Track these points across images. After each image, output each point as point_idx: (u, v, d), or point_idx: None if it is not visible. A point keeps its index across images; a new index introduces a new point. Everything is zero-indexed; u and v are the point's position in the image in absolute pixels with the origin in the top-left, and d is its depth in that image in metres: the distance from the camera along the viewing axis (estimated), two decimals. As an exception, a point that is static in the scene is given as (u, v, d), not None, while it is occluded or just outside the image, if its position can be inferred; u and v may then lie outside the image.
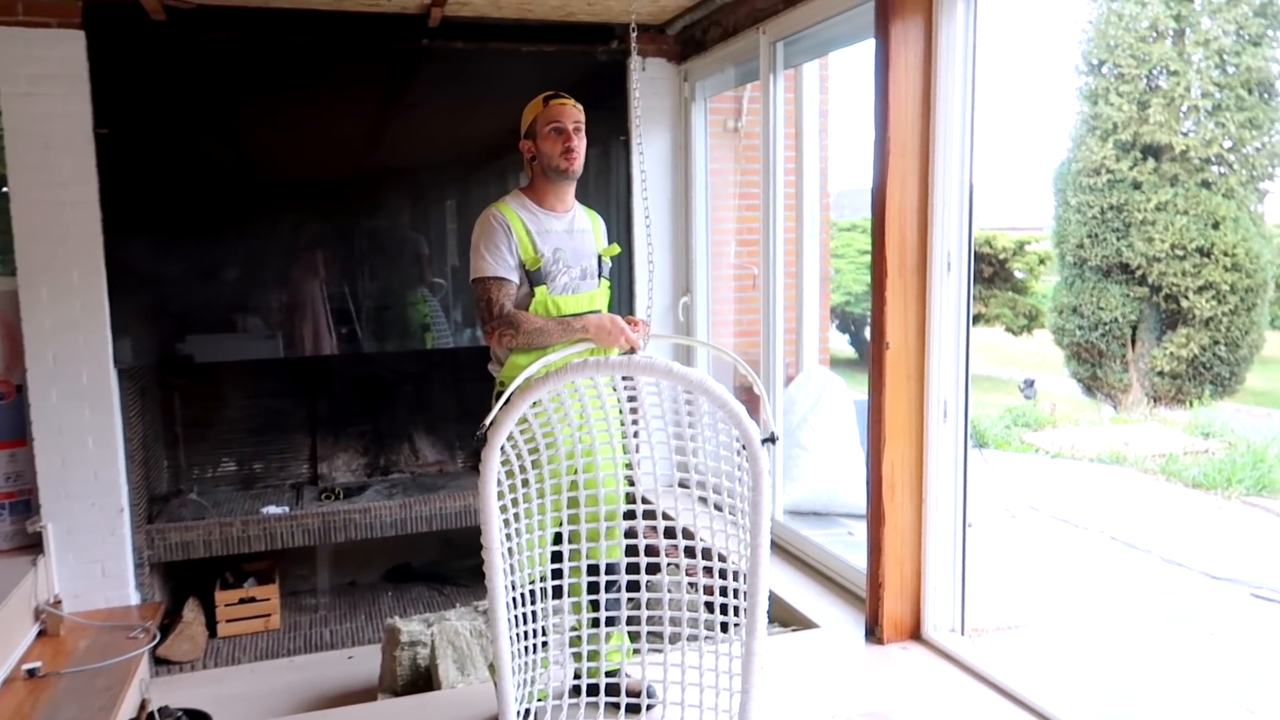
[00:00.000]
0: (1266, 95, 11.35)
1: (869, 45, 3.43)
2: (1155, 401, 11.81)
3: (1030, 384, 13.07)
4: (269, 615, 4.54)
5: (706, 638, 2.46)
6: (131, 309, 4.01)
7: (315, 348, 4.49)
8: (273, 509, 4.47)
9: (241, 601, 4.49)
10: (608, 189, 4.66)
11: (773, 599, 3.17)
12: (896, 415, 2.81)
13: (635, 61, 4.45)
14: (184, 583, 4.60)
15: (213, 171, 4.24)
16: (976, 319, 18.51)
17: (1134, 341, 12.09)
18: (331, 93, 4.39)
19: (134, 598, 4.09)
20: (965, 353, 2.81)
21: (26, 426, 3.90)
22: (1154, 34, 11.60)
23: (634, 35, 3.31)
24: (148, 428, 4.39)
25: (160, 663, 4.10)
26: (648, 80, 4.54)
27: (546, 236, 2.40)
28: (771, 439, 1.89)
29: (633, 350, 2.31)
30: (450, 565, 5.22)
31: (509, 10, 4.12)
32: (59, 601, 3.82)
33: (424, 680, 3.34)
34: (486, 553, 1.99)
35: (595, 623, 2.45)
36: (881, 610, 2.87)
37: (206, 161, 4.23)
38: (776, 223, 3.81)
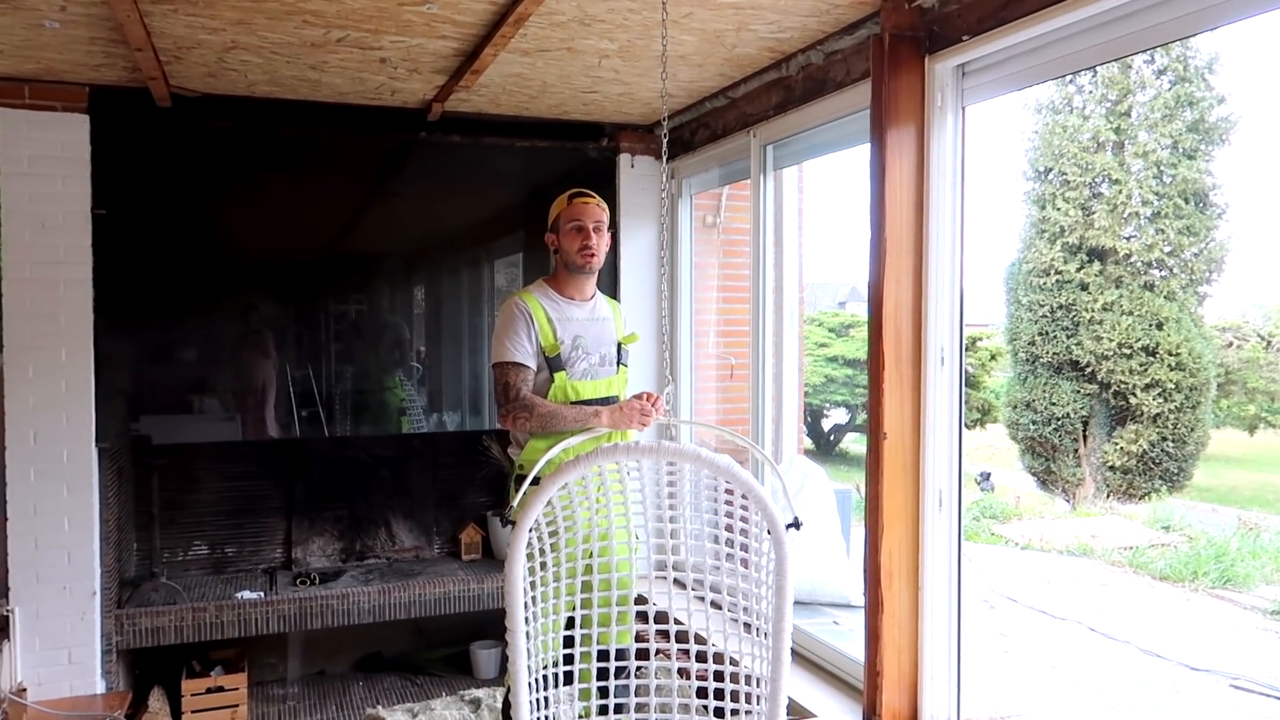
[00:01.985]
0: (1201, 205, 12.02)
1: (852, 152, 3.64)
2: (1108, 495, 12.09)
3: (986, 476, 13.30)
4: (237, 706, 4.39)
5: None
6: (118, 388, 3.99)
7: (282, 431, 4.52)
8: (247, 594, 4.37)
9: (209, 691, 4.35)
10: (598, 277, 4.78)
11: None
12: (894, 504, 2.88)
13: (624, 159, 4.66)
14: (149, 671, 4.45)
15: (204, 255, 4.34)
16: (930, 412, 18.95)
17: (1085, 436, 12.43)
18: (326, 182, 4.53)
19: (100, 686, 3.95)
20: (959, 444, 2.92)
21: (1, 506, 3.81)
22: (1096, 144, 12.26)
23: (662, 138, 3.45)
24: (123, 509, 4.31)
25: (124, 756, 3.94)
26: (635, 176, 4.71)
27: (567, 324, 2.48)
28: (796, 524, 1.95)
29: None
30: (423, 654, 5.11)
31: (506, 108, 4.28)
32: (24, 690, 3.68)
33: (410, 773, 3.26)
34: (511, 636, 2.00)
35: (604, 710, 2.44)
36: (880, 699, 2.89)
37: (198, 245, 4.32)
38: (766, 316, 3.93)
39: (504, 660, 5.00)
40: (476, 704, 3.52)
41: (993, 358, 16.51)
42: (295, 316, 4.65)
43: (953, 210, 2.90)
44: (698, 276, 4.96)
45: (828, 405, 18.17)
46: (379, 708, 3.47)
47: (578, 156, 4.70)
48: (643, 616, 2.39)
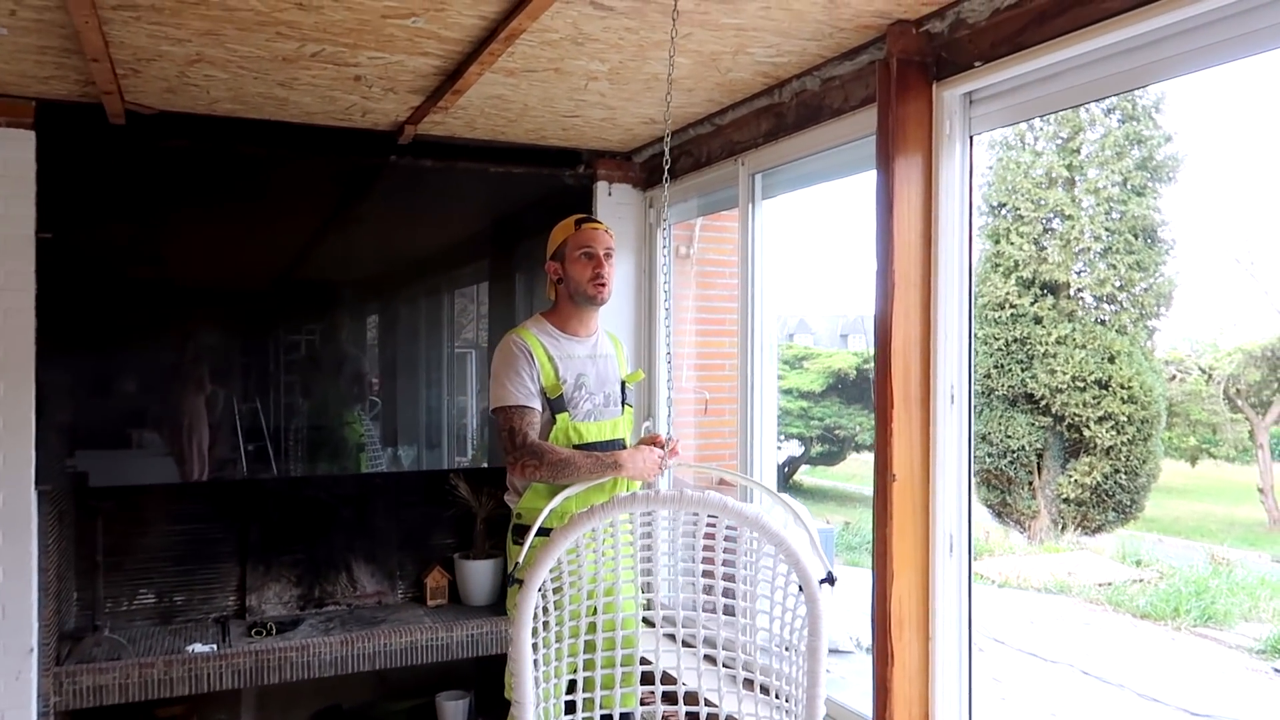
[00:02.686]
0: (1150, 240, 12.27)
1: (844, 182, 3.54)
2: (1062, 528, 12.16)
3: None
4: (185, 768, 4.08)
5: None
6: (58, 425, 3.70)
7: (216, 470, 4.23)
8: (198, 647, 4.07)
9: (155, 753, 4.04)
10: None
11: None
12: (904, 549, 2.74)
13: (601, 187, 4.52)
14: (89, 732, 4.11)
15: (152, 281, 4.06)
16: (884, 444, 19.03)
17: (1040, 469, 12.52)
18: (286, 206, 4.31)
19: (34, 752, 3.62)
20: (968, 485, 2.79)
21: (-73, 555, 3.49)
22: (1048, 180, 12.47)
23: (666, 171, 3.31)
24: (63, 556, 4.00)
25: (60, 828, 3.61)
26: (613, 205, 4.57)
27: (569, 362, 2.30)
28: (830, 579, 1.79)
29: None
30: (385, 706, 4.84)
31: (482, 131, 4.11)
32: (-52, 759, 3.35)
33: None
34: (519, 709, 1.80)
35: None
36: (890, 756, 2.73)
37: (147, 271, 4.05)
38: (753, 351, 3.80)
39: (472, 712, 4.76)
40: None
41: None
42: (244, 347, 4.37)
43: (960, 242, 2.80)
44: (674, 308, 4.82)
45: (781, 438, 18.14)
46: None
47: (553, 183, 4.54)
48: (645, 678, 2.21)
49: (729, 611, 2.05)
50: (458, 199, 4.57)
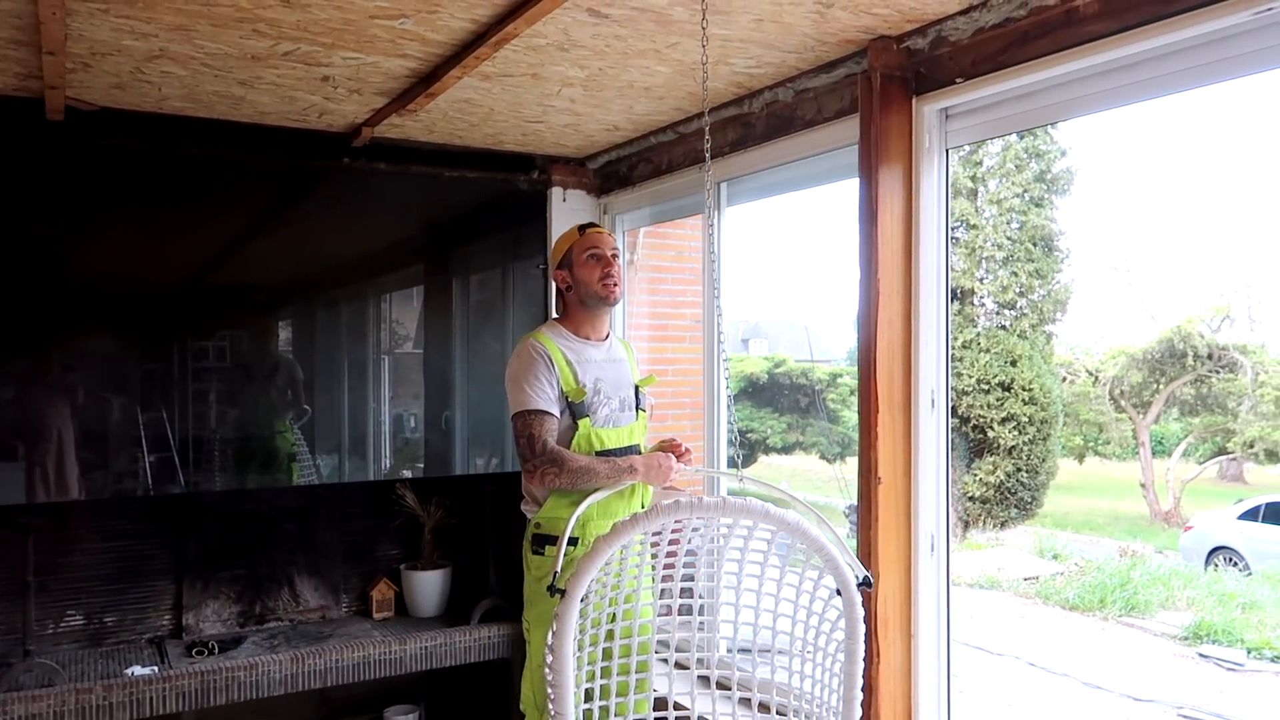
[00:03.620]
0: (1048, 249, 12.88)
1: (809, 193, 3.62)
2: (968, 525, 12.64)
3: (854, 509, 13.64)
4: (123, 798, 3.87)
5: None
6: (27, 438, 3.49)
7: (85, 487, 3.92)
8: (139, 669, 3.88)
9: (90, 784, 3.81)
10: (530, 313, 4.59)
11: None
12: (888, 550, 2.82)
13: (556, 193, 4.51)
14: (16, 765, 3.86)
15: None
16: (793, 447, 19.44)
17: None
18: (227, 208, 4.14)
19: (-38, 789, 3.38)
20: (947, 487, 2.89)
21: None
22: (954, 191, 12.96)
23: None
24: (-12, 578, 3.75)
25: None
26: (568, 210, 4.55)
27: (586, 367, 2.29)
28: (867, 582, 1.83)
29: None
30: (331, 724, 4.70)
31: (440, 135, 4.05)
32: (-128, 801, 3.10)
33: None
34: (557, 719, 1.78)
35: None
36: (877, 753, 2.80)
37: (79, 276, 3.83)
38: (716, 357, 3.84)
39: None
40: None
41: (851, 393, 17.11)
42: (150, 353, 4.08)
43: (939, 252, 2.89)
44: (627, 314, 4.84)
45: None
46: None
47: (507, 189, 4.50)
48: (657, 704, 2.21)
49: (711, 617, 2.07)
50: (407, 203, 4.48)
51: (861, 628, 1.81)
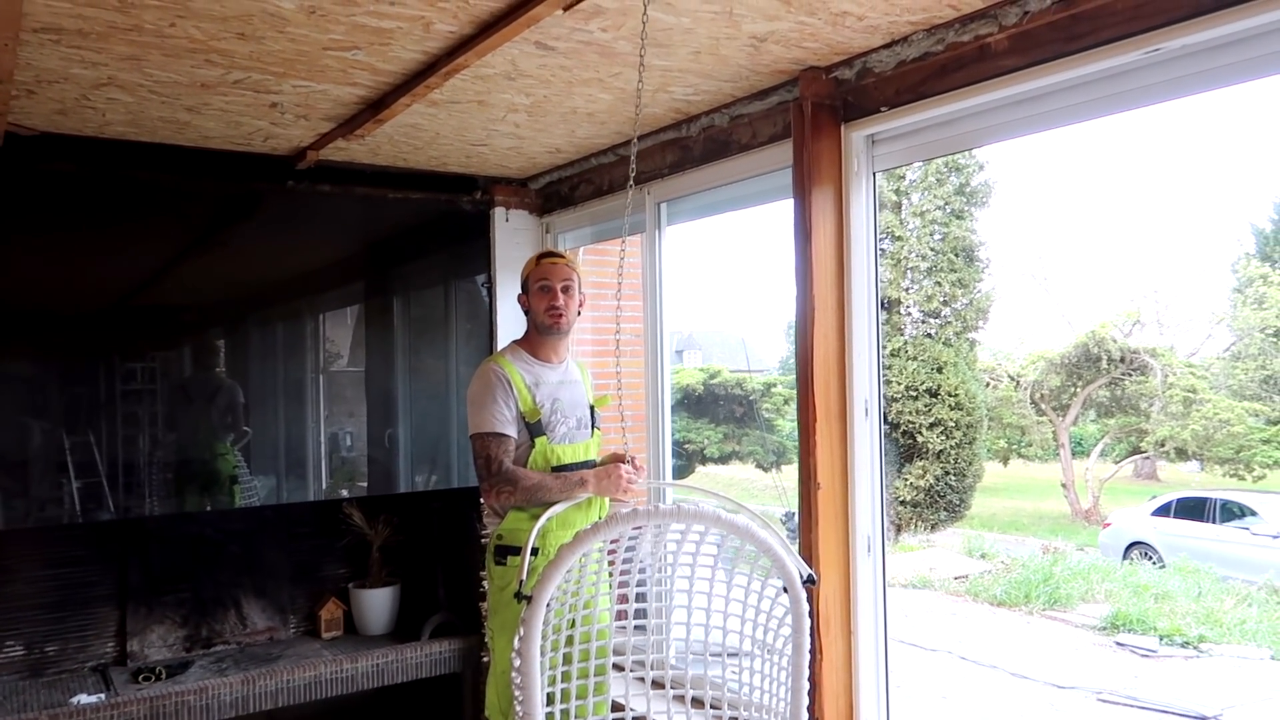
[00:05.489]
0: (970, 259, 13.35)
1: (744, 213, 3.79)
2: (900, 529, 12.98)
3: (791, 516, 13.92)
4: (70, 829, 3.82)
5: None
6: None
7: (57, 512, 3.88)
8: (85, 698, 3.84)
9: (35, 816, 3.76)
10: (472, 329, 4.67)
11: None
12: (828, 551, 2.97)
13: (499, 213, 4.60)
14: (-44, 801, 3.79)
15: (34, 306, 3.82)
16: (729, 456, 19.69)
17: (879, 474, 13.30)
18: (173, 231, 4.15)
19: (-95, 825, 3.32)
20: (881, 491, 3.06)
21: None
22: (879, 203, 13.34)
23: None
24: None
25: None
26: (510, 230, 4.65)
27: (543, 388, 2.40)
28: (811, 580, 1.97)
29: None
30: (280, 746, 4.68)
31: (384, 158, 4.12)
32: None
33: None
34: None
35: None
36: (821, 745, 2.94)
37: (28, 295, 3.81)
38: (664, 372, 3.98)
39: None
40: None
41: (786, 402, 17.44)
42: (77, 376, 4.01)
43: (868, 268, 3.07)
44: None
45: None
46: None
47: (450, 209, 4.58)
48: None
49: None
50: (350, 223, 4.53)
51: (807, 622, 1.95)
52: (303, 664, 4.23)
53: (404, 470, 4.86)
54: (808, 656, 1.96)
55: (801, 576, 1.95)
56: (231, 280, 4.41)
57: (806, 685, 1.96)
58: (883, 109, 2.91)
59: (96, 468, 4.00)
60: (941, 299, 13.07)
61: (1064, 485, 18.03)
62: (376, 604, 4.77)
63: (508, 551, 2.36)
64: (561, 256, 2.57)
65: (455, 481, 4.73)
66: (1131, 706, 3.77)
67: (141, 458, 4.18)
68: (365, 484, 4.85)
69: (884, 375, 12.78)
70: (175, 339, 4.30)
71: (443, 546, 4.85)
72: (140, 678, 4.11)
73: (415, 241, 4.77)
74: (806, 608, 1.94)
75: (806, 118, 2.98)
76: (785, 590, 1.97)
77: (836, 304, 3.03)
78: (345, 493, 4.86)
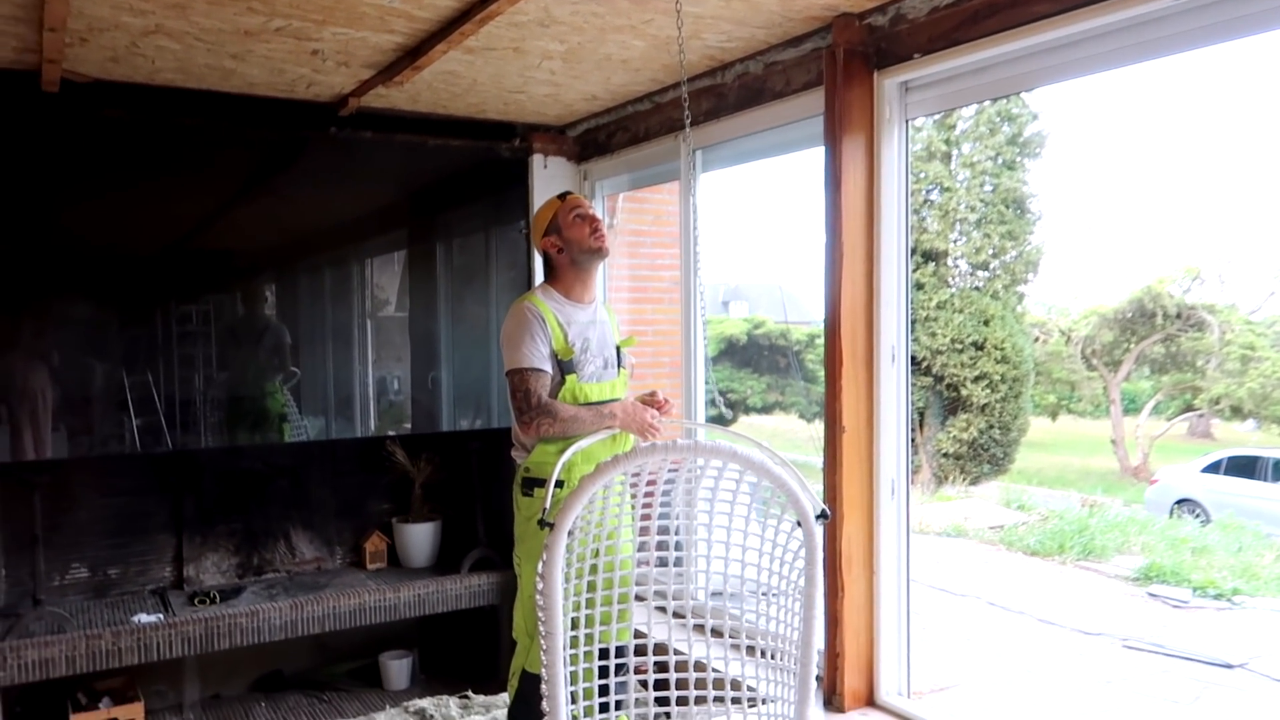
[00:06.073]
0: (1020, 211, 13.09)
1: (780, 160, 3.80)
2: (941, 481, 12.96)
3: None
4: (133, 738, 4.09)
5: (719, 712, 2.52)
6: (4, 398, 3.63)
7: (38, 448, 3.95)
8: (145, 617, 4.07)
9: (102, 725, 4.03)
10: (513, 277, 4.76)
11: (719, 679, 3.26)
12: (852, 494, 3.04)
13: (537, 160, 4.65)
14: (29, 707, 4.07)
15: (94, 251, 3.98)
16: (773, 407, 19.72)
17: (922, 426, 13.28)
18: (216, 176, 4.27)
19: (-17, 729, 3.58)
20: (907, 434, 3.11)
21: None
22: (928, 154, 13.12)
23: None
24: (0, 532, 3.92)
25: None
26: (548, 177, 4.70)
27: (574, 326, 2.48)
28: (824, 515, 2.04)
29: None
30: (328, 670, 4.92)
31: (424, 105, 4.18)
32: (-100, 739, 3.29)
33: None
34: (549, 639, 1.99)
35: (604, 707, 2.46)
36: (840, 680, 3.04)
37: (89, 241, 3.96)
38: (698, 318, 4.03)
39: (416, 669, 4.87)
40: (422, 714, 3.42)
41: (830, 354, 17.38)
42: (139, 318, 4.17)
43: (899, 216, 3.09)
44: (609, 277, 5.01)
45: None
46: (318, 727, 3.33)
47: (489, 156, 4.65)
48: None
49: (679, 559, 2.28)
50: (391, 170, 4.61)
51: (820, 555, 2.02)
52: (348, 592, 4.43)
53: (446, 411, 5.00)
54: (820, 589, 2.04)
55: (814, 512, 2.02)
56: (279, 226, 4.54)
57: (818, 617, 2.04)
58: (916, 56, 2.90)
59: (154, 405, 4.17)
60: (990, 251, 12.87)
61: (1113, 442, 17.79)
62: (418, 538, 4.95)
63: (534, 483, 2.47)
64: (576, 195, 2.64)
65: (494, 422, 4.86)
66: (1156, 654, 3.80)
67: (196, 396, 4.35)
68: (409, 425, 5.00)
69: (929, 327, 12.69)
70: (227, 283, 4.45)
71: (482, 485, 5.00)
72: (196, 600, 4.34)
73: (455, 189, 4.85)
74: (820, 541, 2.02)
75: (839, 64, 2.98)
76: (799, 524, 2.04)
77: (865, 252, 3.06)
78: (393, 432, 5.02)
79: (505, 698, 2.77)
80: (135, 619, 4.06)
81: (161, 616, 4.10)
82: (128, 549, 4.55)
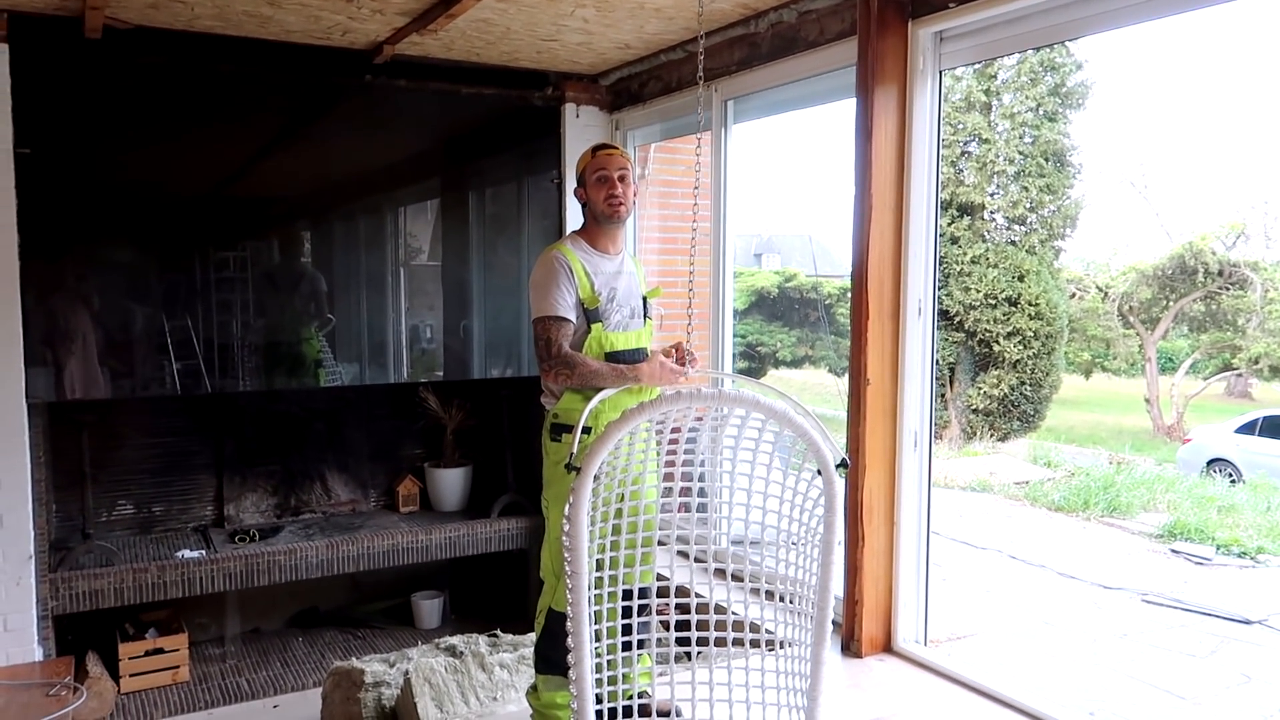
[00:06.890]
0: (1060, 164, 12.85)
1: (821, 111, 3.76)
2: (970, 437, 12.92)
3: (860, 421, 13.92)
4: (178, 667, 4.27)
5: (738, 654, 2.60)
6: (49, 339, 3.75)
7: (95, 386, 4.00)
8: (188, 553, 4.23)
9: (148, 654, 4.21)
10: (545, 226, 4.79)
11: (738, 621, 3.34)
12: (874, 445, 3.08)
13: (570, 109, 4.65)
14: (80, 636, 4.25)
15: (134, 197, 4.05)
16: (802, 360, 19.69)
17: (952, 382, 13.22)
18: (258, 123, 4.32)
19: (38, 653, 3.76)
20: (931, 389, 3.13)
21: (-78, 469, 3.54)
22: (967, 105, 12.88)
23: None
24: (50, 468, 4.07)
25: (68, 724, 3.78)
26: (580, 126, 4.71)
27: (601, 276, 2.52)
28: (844, 464, 2.09)
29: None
30: (362, 608, 5.08)
31: (457, 53, 4.19)
32: (-40, 661, 3.47)
33: (394, 721, 3.28)
34: (574, 578, 2.06)
35: (626, 646, 2.54)
36: (859, 626, 3.11)
37: (129, 187, 4.03)
38: (726, 268, 4.05)
39: (447, 609, 5.01)
40: (453, 651, 3.54)
41: (862, 308, 17.27)
42: (185, 263, 4.23)
43: (930, 169, 3.08)
44: (638, 227, 5.02)
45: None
46: (354, 660, 3.45)
47: (522, 105, 4.65)
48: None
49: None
50: (425, 118, 4.63)
51: (839, 503, 2.07)
52: (382, 533, 4.56)
53: (477, 360, 5.07)
54: (839, 536, 2.09)
55: (835, 461, 2.06)
56: (315, 174, 4.59)
57: (836, 564, 2.09)
58: (951, 4, 2.87)
59: (193, 349, 4.26)
60: (1028, 205, 12.67)
61: (1147, 400, 17.58)
62: (450, 483, 5.06)
63: (562, 429, 2.53)
64: (615, 148, 2.65)
65: (525, 370, 4.93)
66: (1175, 608, 3.83)
67: (234, 340, 4.43)
68: (441, 373, 5.08)
69: (962, 282, 12.55)
70: (263, 230, 4.52)
71: (512, 431, 5.09)
72: (236, 538, 4.49)
73: (489, 138, 4.87)
74: (839, 490, 2.06)
75: (873, 13, 2.96)
76: (819, 473, 2.08)
77: (895, 204, 3.06)
78: (424, 379, 5.11)
79: (533, 637, 2.87)
80: (179, 554, 4.21)
81: (204, 552, 4.25)
82: (170, 487, 4.71)
